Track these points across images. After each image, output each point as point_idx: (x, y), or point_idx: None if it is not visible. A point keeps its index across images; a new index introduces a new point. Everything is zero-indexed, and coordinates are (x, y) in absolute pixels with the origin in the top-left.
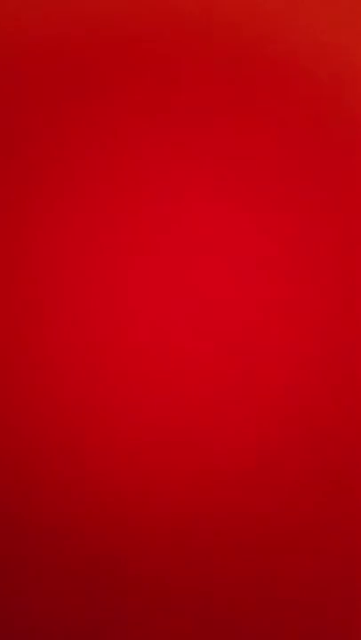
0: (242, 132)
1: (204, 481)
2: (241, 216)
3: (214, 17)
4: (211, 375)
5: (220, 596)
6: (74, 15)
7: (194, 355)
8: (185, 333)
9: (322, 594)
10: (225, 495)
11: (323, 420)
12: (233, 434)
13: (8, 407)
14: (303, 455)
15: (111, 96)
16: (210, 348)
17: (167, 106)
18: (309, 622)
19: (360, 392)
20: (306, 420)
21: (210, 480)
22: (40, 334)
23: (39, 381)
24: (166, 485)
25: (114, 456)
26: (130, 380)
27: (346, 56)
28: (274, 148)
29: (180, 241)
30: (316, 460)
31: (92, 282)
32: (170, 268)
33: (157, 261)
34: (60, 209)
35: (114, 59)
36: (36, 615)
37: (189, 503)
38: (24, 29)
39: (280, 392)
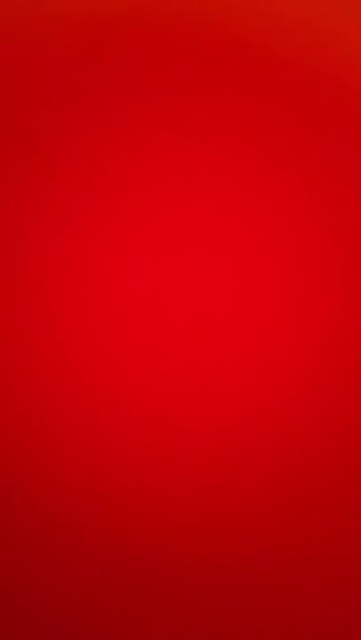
0: (244, 132)
1: (204, 485)
2: (243, 217)
3: (214, 15)
4: (212, 379)
5: (219, 604)
6: (74, 14)
7: (194, 356)
8: (185, 334)
9: (324, 601)
10: (226, 500)
11: (325, 426)
12: (234, 436)
13: (8, 405)
14: (304, 462)
15: (111, 96)
16: (211, 351)
17: (168, 106)
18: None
19: None
20: (308, 426)
21: (210, 484)
22: (40, 335)
23: (39, 381)
24: (166, 489)
25: (113, 456)
26: (129, 385)
27: (348, 53)
28: (277, 148)
29: (182, 241)
30: (319, 467)
31: (92, 282)
32: (171, 269)
33: (159, 263)
34: (60, 209)
35: (114, 57)
36: (33, 609)
37: (190, 504)
38: (24, 29)
39: (285, 395)
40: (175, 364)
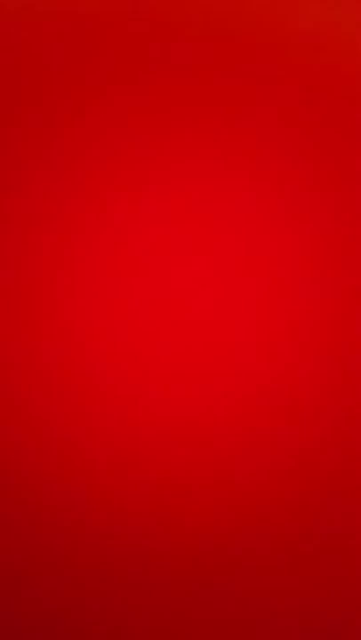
0: (243, 131)
1: (205, 484)
2: (241, 218)
3: (213, 15)
4: (208, 379)
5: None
6: (74, 13)
7: (191, 357)
8: (182, 334)
9: (322, 597)
10: (222, 498)
11: (321, 428)
12: (230, 436)
13: (7, 406)
14: (304, 456)
15: (110, 95)
16: (207, 353)
17: (166, 105)
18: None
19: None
20: (303, 428)
21: (211, 481)
22: (38, 335)
23: (37, 381)
24: (167, 486)
25: (114, 456)
26: (126, 382)
27: (346, 51)
28: (276, 148)
29: (180, 241)
30: (315, 468)
31: (90, 282)
32: (168, 270)
33: (156, 262)
34: (58, 208)
35: (113, 56)
36: (34, 609)
37: (188, 505)
38: (23, 28)
39: (277, 394)
40: (175, 365)
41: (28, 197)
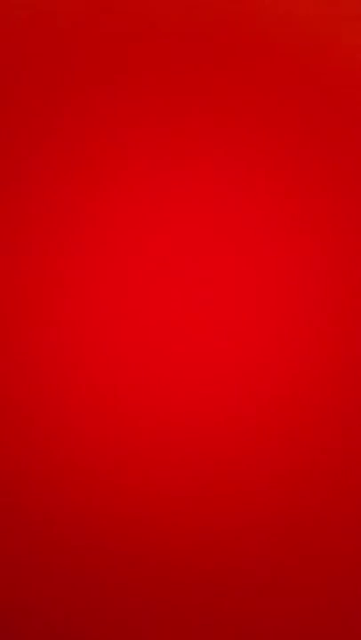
0: (243, 132)
1: (205, 484)
2: (242, 218)
3: (213, 18)
4: (210, 379)
5: (221, 600)
6: (74, 13)
7: (192, 358)
8: (184, 334)
9: (325, 596)
10: (223, 504)
11: (324, 429)
12: (232, 437)
13: (7, 406)
14: (302, 463)
15: (111, 96)
16: (209, 354)
17: (167, 105)
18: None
19: None
20: (308, 430)
21: (211, 483)
22: (38, 335)
23: (37, 380)
24: (168, 488)
25: (112, 457)
26: (127, 381)
27: (347, 56)
28: (276, 148)
29: (180, 241)
30: (316, 469)
31: (91, 283)
32: (169, 270)
33: (157, 264)
34: (59, 209)
35: (114, 58)
36: (29, 609)
37: (188, 507)
38: (24, 28)
39: (282, 392)
40: (174, 365)
41: (27, 200)
